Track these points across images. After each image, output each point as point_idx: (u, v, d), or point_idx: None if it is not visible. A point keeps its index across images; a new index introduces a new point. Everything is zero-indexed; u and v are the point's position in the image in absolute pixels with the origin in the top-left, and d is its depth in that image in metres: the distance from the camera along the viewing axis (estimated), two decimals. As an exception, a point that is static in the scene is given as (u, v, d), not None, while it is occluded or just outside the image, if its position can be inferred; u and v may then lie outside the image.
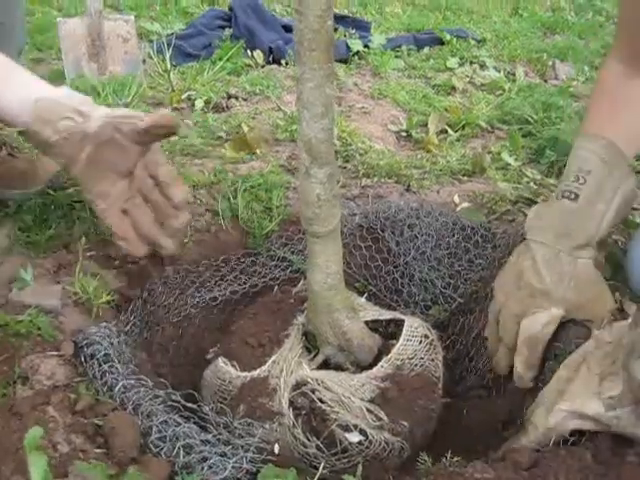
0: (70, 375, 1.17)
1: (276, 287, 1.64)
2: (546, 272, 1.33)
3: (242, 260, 1.70)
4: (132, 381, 1.17)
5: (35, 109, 1.34)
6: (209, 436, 1.11)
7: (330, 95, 1.08)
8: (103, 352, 1.21)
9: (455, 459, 1.13)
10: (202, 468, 1.03)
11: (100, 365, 1.18)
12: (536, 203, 1.88)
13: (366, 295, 1.55)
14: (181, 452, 1.04)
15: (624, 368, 1.10)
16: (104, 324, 1.31)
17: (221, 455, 1.07)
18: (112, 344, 1.25)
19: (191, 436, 1.08)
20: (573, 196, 1.36)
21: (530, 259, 1.36)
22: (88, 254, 1.53)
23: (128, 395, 1.13)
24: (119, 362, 1.21)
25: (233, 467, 1.06)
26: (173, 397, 1.15)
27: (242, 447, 1.11)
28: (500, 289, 1.41)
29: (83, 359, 1.21)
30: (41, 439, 0.87)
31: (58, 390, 1.11)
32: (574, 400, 1.14)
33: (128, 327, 1.42)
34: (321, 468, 1.13)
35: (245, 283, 1.69)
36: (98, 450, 0.99)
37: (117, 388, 1.14)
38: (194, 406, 1.19)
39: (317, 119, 1.08)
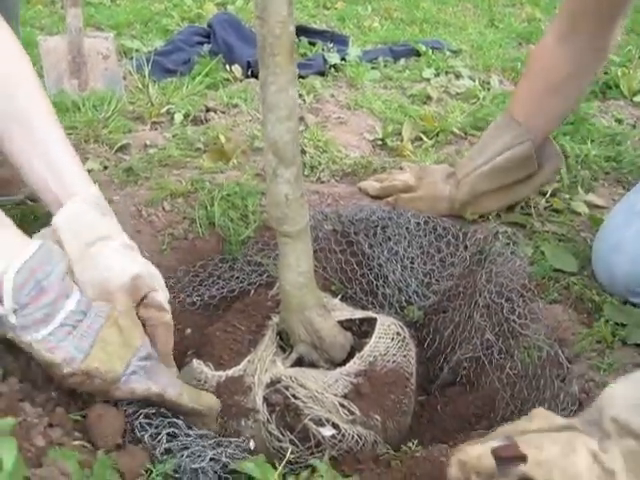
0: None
1: (253, 291, 1.68)
2: None
3: (219, 266, 1.73)
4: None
5: None
6: (192, 431, 1.14)
7: (294, 97, 1.12)
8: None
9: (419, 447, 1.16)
10: (182, 455, 1.06)
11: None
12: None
13: (341, 297, 1.58)
14: (164, 438, 1.07)
15: None
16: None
17: (202, 447, 1.10)
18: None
19: (176, 427, 1.11)
20: None
21: None
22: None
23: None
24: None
25: (211, 459, 1.09)
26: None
27: (222, 443, 1.14)
28: None
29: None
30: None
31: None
32: None
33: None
34: (288, 453, 1.17)
35: (223, 288, 1.72)
36: (76, 442, 1.02)
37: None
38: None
39: (282, 121, 1.12)
